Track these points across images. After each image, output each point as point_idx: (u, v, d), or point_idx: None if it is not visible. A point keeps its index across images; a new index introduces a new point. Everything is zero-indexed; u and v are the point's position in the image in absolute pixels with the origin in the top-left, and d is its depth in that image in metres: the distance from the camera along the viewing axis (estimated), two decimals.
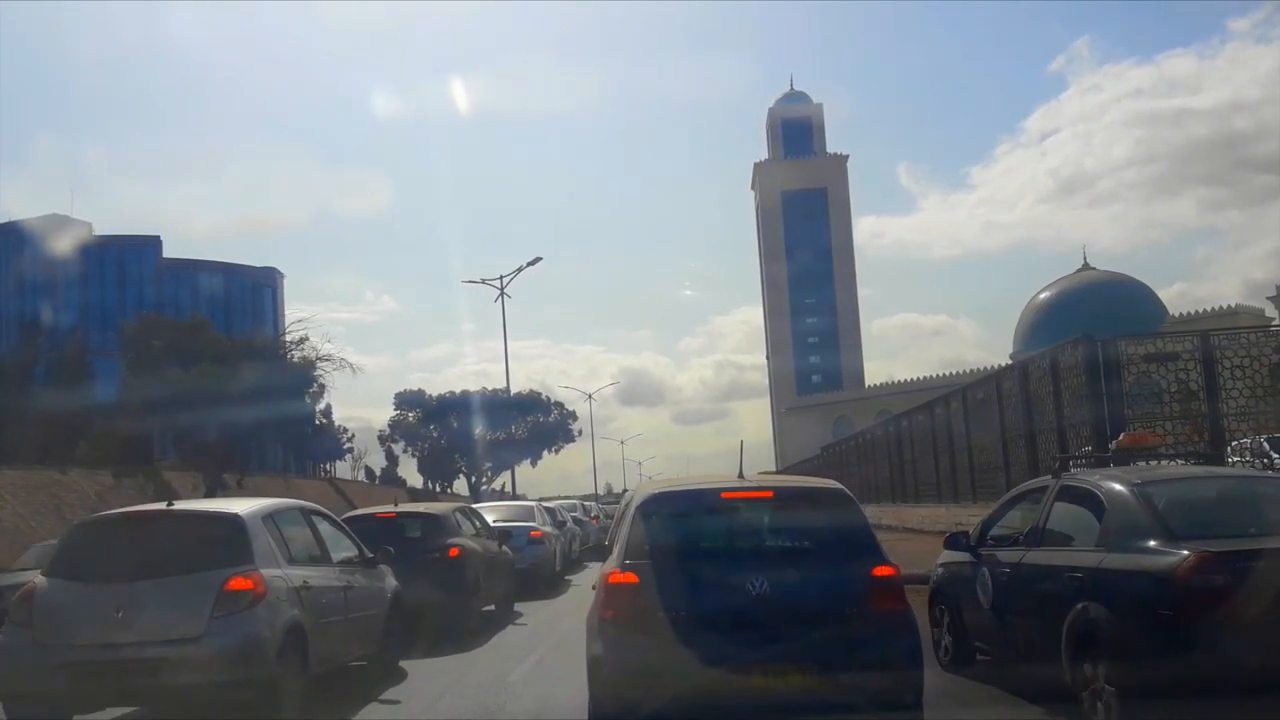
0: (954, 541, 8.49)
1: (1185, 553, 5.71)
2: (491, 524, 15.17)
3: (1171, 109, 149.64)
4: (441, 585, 11.40)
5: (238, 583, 7.09)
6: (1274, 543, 5.89)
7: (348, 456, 68.97)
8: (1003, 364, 41.78)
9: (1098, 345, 13.40)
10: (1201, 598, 5.50)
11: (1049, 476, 7.82)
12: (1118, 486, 6.68)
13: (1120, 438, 9.28)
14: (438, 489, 70.41)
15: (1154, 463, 8.50)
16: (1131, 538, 6.24)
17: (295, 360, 41.53)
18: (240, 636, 6.96)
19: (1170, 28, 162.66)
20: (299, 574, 7.83)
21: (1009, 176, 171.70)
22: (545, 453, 72.85)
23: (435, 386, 77.82)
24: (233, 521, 7.63)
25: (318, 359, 41.75)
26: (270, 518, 7.97)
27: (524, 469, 67.61)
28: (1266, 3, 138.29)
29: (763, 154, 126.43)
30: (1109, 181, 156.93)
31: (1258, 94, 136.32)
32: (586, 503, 37.08)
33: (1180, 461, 9.36)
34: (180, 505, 8.22)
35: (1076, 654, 6.26)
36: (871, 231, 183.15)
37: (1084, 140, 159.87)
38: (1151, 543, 6.07)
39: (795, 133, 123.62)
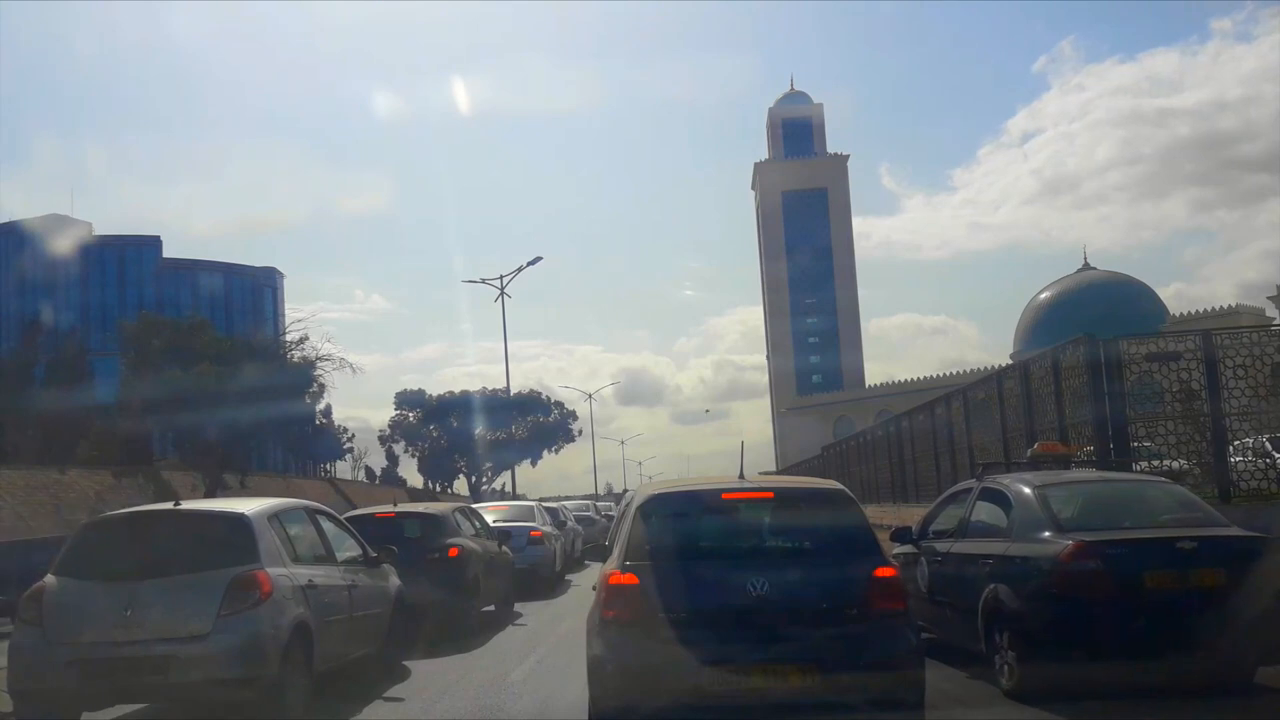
0: (899, 535, 9.69)
1: (1068, 541, 6.96)
2: (491, 524, 15.19)
3: (1155, 109, 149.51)
4: (442, 585, 11.43)
5: (244, 581, 7.16)
6: (1141, 533, 7.20)
7: (348, 456, 69.03)
8: (1003, 364, 41.79)
9: (1099, 345, 13.37)
10: (1078, 577, 6.76)
11: (974, 480, 8.90)
12: (1023, 488, 7.88)
13: (1035, 446, 10.52)
14: (438, 489, 70.39)
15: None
16: (1031, 530, 7.45)
17: (295, 360, 41.49)
18: (247, 635, 7.02)
19: (1152, 27, 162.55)
20: (304, 573, 7.89)
21: (992, 178, 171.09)
22: (545, 453, 72.83)
23: (430, 386, 77.85)
24: (239, 521, 7.68)
25: (318, 359, 41.72)
26: (276, 517, 8.03)
27: (524, 469, 67.64)
28: (1248, 2, 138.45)
29: (763, 154, 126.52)
30: (1095, 182, 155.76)
31: (1241, 93, 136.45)
32: (599, 504, 37.04)
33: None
34: (187, 505, 8.33)
35: (989, 626, 7.44)
36: (858, 232, 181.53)
37: (1068, 141, 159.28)
38: (1045, 534, 7.29)
39: (795, 133, 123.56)
